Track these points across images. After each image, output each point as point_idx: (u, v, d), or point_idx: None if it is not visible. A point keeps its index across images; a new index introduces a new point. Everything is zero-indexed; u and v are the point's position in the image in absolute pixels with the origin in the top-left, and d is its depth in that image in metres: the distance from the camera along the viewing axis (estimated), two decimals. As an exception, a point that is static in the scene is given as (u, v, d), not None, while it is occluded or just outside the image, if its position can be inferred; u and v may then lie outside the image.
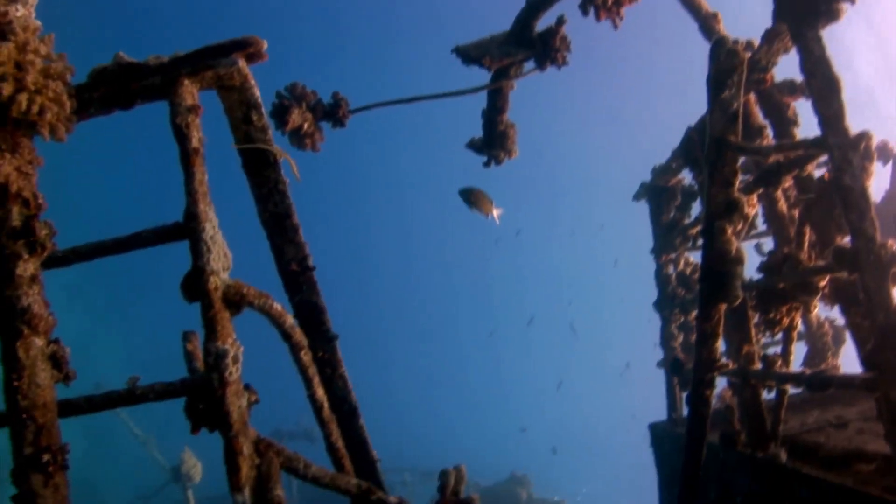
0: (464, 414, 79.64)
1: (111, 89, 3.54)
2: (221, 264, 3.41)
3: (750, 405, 6.41)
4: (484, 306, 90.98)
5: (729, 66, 5.55)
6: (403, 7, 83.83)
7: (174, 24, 70.23)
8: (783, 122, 6.71)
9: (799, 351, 7.22)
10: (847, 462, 5.68)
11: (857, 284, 5.08)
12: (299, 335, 4.03)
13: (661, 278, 9.49)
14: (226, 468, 3.18)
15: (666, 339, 9.37)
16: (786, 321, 6.23)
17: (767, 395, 6.49)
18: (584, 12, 6.60)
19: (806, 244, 6.16)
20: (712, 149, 5.67)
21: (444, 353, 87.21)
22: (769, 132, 6.80)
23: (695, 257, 9.53)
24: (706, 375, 6.12)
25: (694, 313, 8.48)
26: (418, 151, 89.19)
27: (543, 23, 6.90)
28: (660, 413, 9.64)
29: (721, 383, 7.15)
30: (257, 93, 4.06)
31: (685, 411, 6.75)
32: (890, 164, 8.13)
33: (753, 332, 6.59)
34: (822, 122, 5.07)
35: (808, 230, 6.13)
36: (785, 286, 6.02)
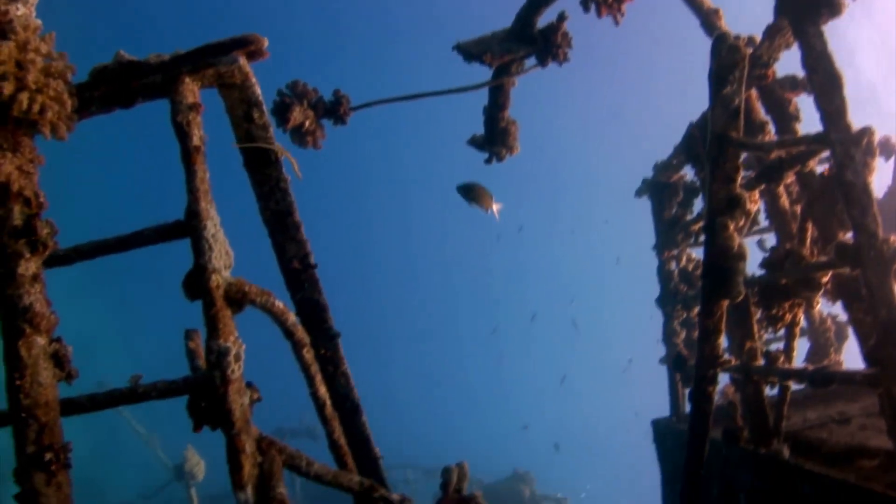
0: (465, 412, 79.65)
1: (112, 88, 3.54)
2: (223, 262, 3.41)
3: (752, 401, 6.41)
4: (485, 304, 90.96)
5: (730, 62, 5.54)
6: (404, 5, 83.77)
7: (175, 22, 70.24)
8: (785, 118, 6.70)
9: (801, 347, 7.22)
10: (850, 458, 5.68)
11: (859, 280, 5.08)
12: (301, 333, 4.03)
13: (663, 275, 9.49)
14: (228, 466, 3.18)
15: (668, 336, 9.37)
16: (788, 317, 6.23)
17: (770, 392, 6.50)
18: (586, 9, 6.59)
19: (808, 240, 6.16)
20: (714, 145, 5.66)
21: (445, 351, 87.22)
22: (771, 128, 6.79)
23: (697, 253, 9.52)
24: (708, 372, 6.12)
25: (696, 310, 8.48)
26: (419, 149, 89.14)
27: (545, 19, 6.90)
28: (662, 410, 9.64)
29: (724, 379, 7.15)
30: (258, 90, 4.05)
31: (688, 407, 6.75)
32: (892, 160, 8.12)
33: (756, 328, 6.59)
34: (824, 118, 5.07)
35: (810, 226, 6.13)
36: (787, 282, 6.02)
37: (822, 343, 8.29)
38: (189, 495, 20.79)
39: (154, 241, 3.53)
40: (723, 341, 6.11)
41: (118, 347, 62.99)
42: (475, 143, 7.82)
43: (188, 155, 3.43)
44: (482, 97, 7.58)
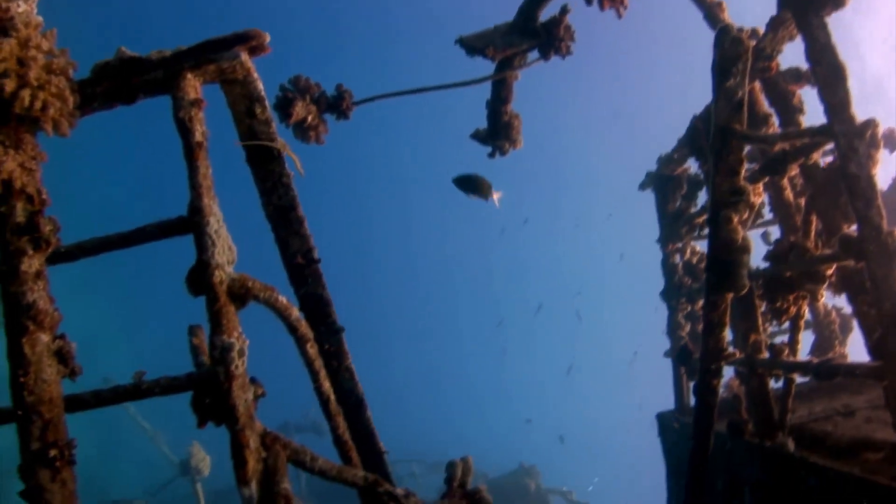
0: (469, 407, 79.69)
1: (114, 84, 3.53)
2: (226, 258, 3.41)
3: (757, 394, 6.40)
4: (487, 299, 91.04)
5: (734, 55, 5.52)
6: (405, 1, 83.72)
7: (176, 19, 70.26)
8: (789, 110, 6.68)
9: (806, 339, 7.21)
10: (855, 451, 5.67)
11: (863, 273, 5.07)
12: (305, 328, 4.03)
13: (667, 268, 9.48)
14: (232, 462, 3.18)
15: (673, 329, 9.37)
16: (793, 310, 6.22)
17: (775, 385, 6.49)
18: (588, 1, 6.57)
19: (812, 232, 6.14)
20: (717, 137, 5.65)
21: (447, 347, 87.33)
22: (775, 120, 6.77)
23: (701, 246, 9.51)
24: (713, 365, 6.11)
25: (701, 303, 8.47)
26: (420, 145, 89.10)
27: (547, 12, 6.88)
28: (666, 403, 9.64)
29: (728, 372, 7.14)
30: (260, 86, 4.05)
31: (692, 401, 6.74)
32: (896, 152, 8.10)
33: (760, 320, 6.58)
34: (828, 110, 5.05)
35: (814, 218, 6.11)
36: (792, 275, 6.01)
37: (827, 336, 8.27)
38: (195, 491, 20.86)
39: (157, 237, 3.53)
40: (727, 334, 6.11)
41: (123, 344, 63.12)
42: (478, 137, 7.81)
43: (190, 151, 3.42)
44: (485, 91, 7.56)
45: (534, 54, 7.02)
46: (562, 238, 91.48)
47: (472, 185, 7.95)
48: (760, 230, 8.90)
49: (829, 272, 5.77)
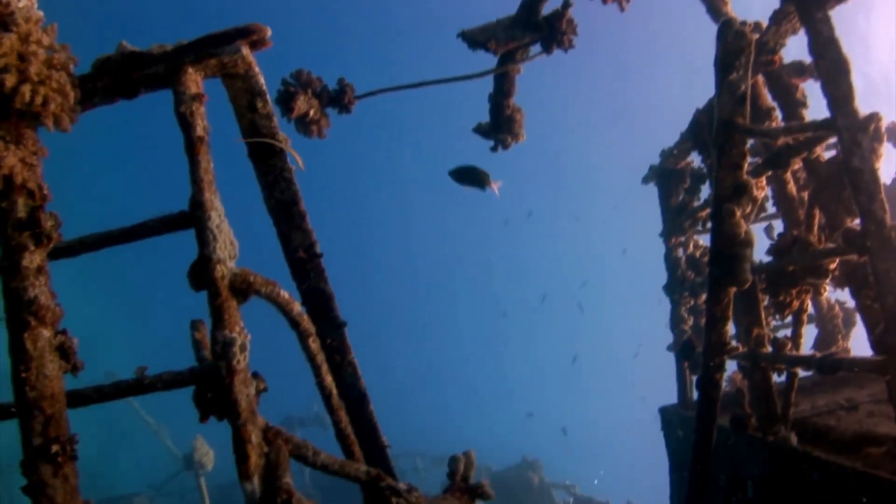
0: (471, 402, 79.86)
1: (115, 79, 3.53)
2: (227, 253, 3.40)
3: (760, 389, 6.40)
4: (488, 294, 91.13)
5: (737, 48, 5.51)
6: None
7: (177, 13, 70.18)
8: (792, 104, 6.65)
9: (809, 334, 7.21)
10: (858, 445, 5.67)
11: (867, 267, 5.05)
12: (307, 323, 4.03)
13: (670, 261, 9.47)
14: (234, 457, 3.19)
15: (676, 323, 9.36)
16: (796, 304, 6.21)
17: (778, 379, 6.48)
18: (591, -5, 6.55)
19: (815, 227, 6.13)
20: (720, 131, 5.64)
21: (448, 342, 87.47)
22: (778, 114, 6.75)
23: (704, 240, 9.50)
24: (716, 359, 6.11)
25: (704, 297, 8.46)
26: (422, 140, 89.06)
27: (550, 6, 6.86)
28: (668, 397, 9.63)
29: (732, 366, 7.14)
30: (262, 80, 4.04)
31: (695, 395, 6.74)
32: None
33: (763, 315, 6.57)
34: (831, 104, 5.03)
35: (817, 213, 6.10)
36: (794, 269, 6.00)
37: (830, 330, 8.27)
38: (198, 485, 20.90)
39: (159, 231, 3.52)
40: (730, 328, 6.10)
41: (126, 338, 63.29)
42: (480, 130, 7.79)
43: (192, 145, 3.42)
44: (487, 85, 7.54)
45: (536, 48, 7.00)
46: (563, 232, 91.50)
47: (469, 176, 7.96)
48: (764, 224, 8.89)
49: (832, 266, 5.76)
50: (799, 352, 6.28)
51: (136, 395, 3.34)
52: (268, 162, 4.47)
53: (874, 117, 4.91)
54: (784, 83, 6.70)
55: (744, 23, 5.74)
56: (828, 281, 5.90)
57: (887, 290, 4.72)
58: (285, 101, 5.95)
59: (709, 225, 6.37)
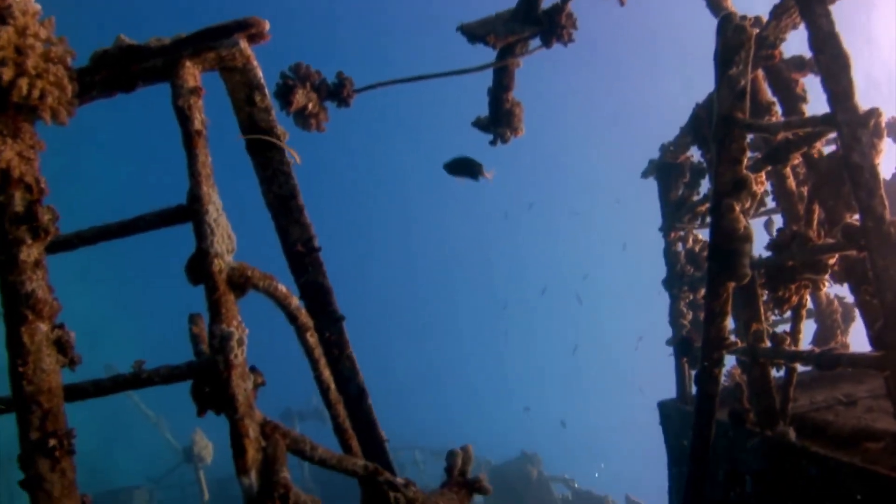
0: (470, 397, 79.98)
1: (113, 72, 3.52)
2: (225, 246, 3.39)
3: (759, 384, 6.40)
4: (487, 290, 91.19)
5: (736, 43, 5.49)
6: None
7: (176, 6, 70.03)
8: (792, 99, 6.65)
9: (808, 329, 7.21)
10: (856, 440, 5.67)
11: (866, 263, 5.05)
12: (305, 317, 4.02)
13: (669, 256, 9.46)
14: (232, 451, 3.18)
15: (675, 317, 9.36)
16: (795, 299, 6.20)
17: (776, 374, 6.49)
18: (590, -11, 6.54)
19: (815, 222, 6.13)
20: (720, 126, 5.63)
21: (447, 339, 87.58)
22: (778, 109, 6.74)
23: (704, 234, 9.49)
24: (714, 354, 6.11)
25: (703, 291, 8.46)
26: (420, 137, 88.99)
27: (549, 0, 6.84)
28: (669, 390, 9.63)
29: (730, 361, 7.14)
30: (260, 73, 4.03)
31: (694, 389, 6.75)
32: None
33: (762, 310, 6.57)
34: (831, 99, 5.02)
35: (817, 208, 6.09)
36: (794, 264, 5.99)
37: (829, 325, 8.27)
38: (198, 478, 20.96)
39: (156, 225, 3.51)
40: (729, 323, 6.10)
41: (126, 331, 63.35)
42: (480, 125, 7.78)
43: (189, 139, 3.40)
44: (485, 79, 7.53)
45: (535, 42, 6.99)
46: (563, 227, 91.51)
47: (462, 167, 7.98)
48: (763, 219, 8.89)
49: (832, 262, 5.76)
50: (798, 347, 6.28)
51: (134, 389, 3.34)
52: (266, 155, 4.46)
53: (874, 113, 4.90)
54: (784, 78, 6.69)
55: (744, 17, 5.72)
56: (827, 276, 5.90)
57: (886, 286, 4.72)
58: (284, 94, 5.93)
59: (708, 220, 6.36)
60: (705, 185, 9.21)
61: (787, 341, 6.08)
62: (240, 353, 3.25)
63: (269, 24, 3.78)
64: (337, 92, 6.28)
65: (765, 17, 6.40)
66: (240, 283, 3.38)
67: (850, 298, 7.90)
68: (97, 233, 3.52)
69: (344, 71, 6.27)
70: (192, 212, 3.36)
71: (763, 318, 6.56)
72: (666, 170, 9.54)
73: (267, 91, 4.16)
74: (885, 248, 4.74)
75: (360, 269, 79.81)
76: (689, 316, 9.37)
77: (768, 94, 6.80)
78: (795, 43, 6.27)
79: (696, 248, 9.43)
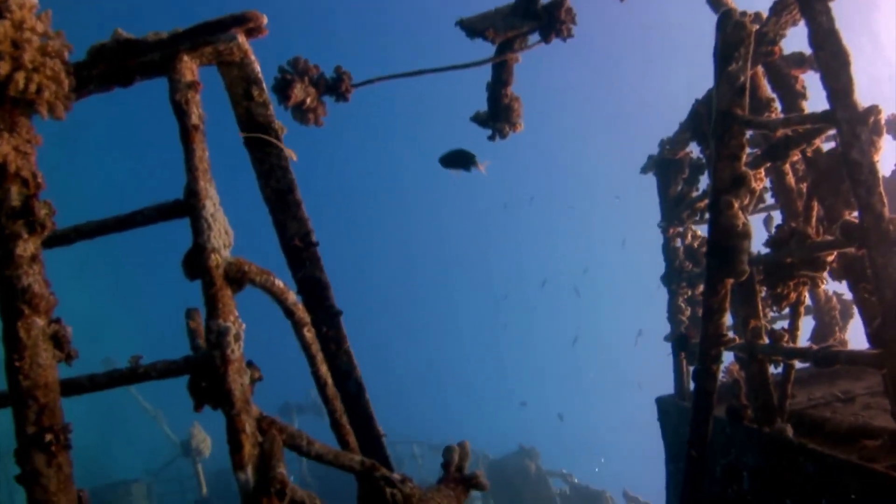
0: (469, 392, 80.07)
1: (110, 66, 3.51)
2: (222, 241, 3.39)
3: (757, 380, 6.40)
4: (485, 286, 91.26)
5: (736, 39, 5.48)
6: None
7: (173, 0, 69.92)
8: (791, 95, 6.64)
9: (807, 325, 7.21)
10: (853, 438, 5.67)
11: (864, 260, 5.04)
12: (302, 312, 4.02)
13: (668, 251, 9.46)
14: (228, 447, 3.18)
15: (673, 313, 9.36)
16: (793, 296, 6.20)
17: (774, 370, 6.49)
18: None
19: (814, 219, 6.12)
20: (719, 122, 5.62)
21: (446, 336, 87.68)
22: (777, 105, 6.73)
23: (702, 230, 9.49)
24: (712, 350, 6.11)
25: (701, 287, 8.46)
26: (417, 131, 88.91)
27: (549, -5, 6.83)
28: (667, 386, 9.63)
29: (728, 357, 7.14)
30: (258, 68, 4.02)
31: (692, 385, 6.75)
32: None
33: (760, 306, 6.56)
34: (831, 96, 5.01)
35: (815, 205, 6.09)
36: (792, 261, 5.99)
37: (827, 321, 8.27)
38: (196, 471, 20.98)
39: (153, 220, 3.51)
40: (727, 320, 6.10)
41: (127, 324, 63.36)
42: (478, 119, 7.76)
43: (187, 134, 3.40)
44: (484, 74, 7.52)
45: (535, 37, 6.97)
46: (561, 223, 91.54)
47: (457, 159, 8.00)
48: (762, 215, 8.88)
49: (830, 259, 5.75)
50: (796, 344, 6.28)
51: (130, 384, 3.34)
52: (264, 150, 4.45)
53: (873, 110, 4.89)
54: (784, 74, 6.68)
55: (744, 13, 5.71)
56: (825, 273, 5.90)
57: (885, 284, 4.71)
58: (282, 88, 5.92)
59: (707, 216, 6.36)
60: (704, 182, 9.20)
61: (786, 338, 6.08)
62: (236, 349, 3.24)
63: (267, 19, 3.77)
64: (335, 86, 6.26)
65: (765, 14, 6.38)
66: (237, 277, 3.38)
67: (848, 295, 7.90)
68: (94, 227, 3.51)
69: (342, 65, 6.25)
70: (189, 207, 3.35)
71: (761, 314, 6.56)
72: (665, 166, 9.53)
73: (265, 85, 4.16)
74: (884, 245, 4.74)
75: (357, 265, 79.83)
76: (688, 312, 9.37)
77: (768, 90, 6.79)
78: (795, 39, 6.26)
79: (695, 245, 9.42)
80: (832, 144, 5.97)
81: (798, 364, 6.34)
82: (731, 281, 5.81)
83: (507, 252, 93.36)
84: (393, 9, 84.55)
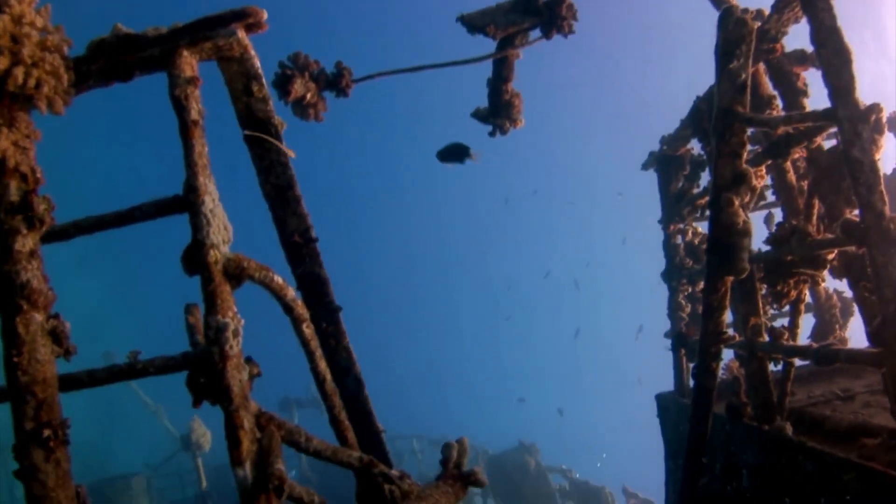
0: (468, 388, 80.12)
1: (109, 61, 3.50)
2: (221, 237, 3.38)
3: (756, 378, 6.39)
4: (484, 283, 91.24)
5: (737, 36, 5.47)
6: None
7: (172, -2, 69.78)
8: (793, 93, 6.62)
9: (807, 323, 7.20)
10: (853, 436, 5.66)
11: (865, 258, 5.03)
12: (301, 308, 4.02)
13: (668, 248, 9.45)
14: (227, 442, 3.18)
15: (673, 310, 9.35)
16: (793, 294, 6.19)
17: (774, 368, 6.48)
18: (592, -20, 6.51)
19: (815, 216, 6.11)
20: (720, 120, 5.61)
21: (446, 334, 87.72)
22: (778, 103, 6.72)
23: (703, 227, 9.48)
24: (712, 348, 6.10)
25: (701, 284, 8.45)
26: (417, 127, 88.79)
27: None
28: (667, 383, 9.63)
29: (728, 354, 7.13)
30: (257, 63, 4.02)
31: (692, 382, 6.75)
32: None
33: (761, 304, 6.56)
34: (833, 94, 5.00)
35: (816, 202, 6.08)
36: (793, 258, 5.98)
37: (828, 319, 8.26)
38: (196, 465, 20.99)
39: (153, 216, 3.51)
40: (727, 317, 6.09)
41: (127, 319, 63.38)
42: (479, 115, 7.74)
43: (186, 129, 3.39)
44: (485, 70, 7.50)
45: (536, 33, 6.95)
46: (561, 219, 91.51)
47: (453, 153, 8.03)
48: (763, 213, 8.87)
49: (831, 257, 5.74)
50: (796, 341, 6.27)
51: (129, 380, 3.33)
52: (263, 146, 4.45)
53: (875, 108, 4.87)
54: (785, 71, 6.66)
55: (745, 11, 5.70)
56: (826, 271, 5.89)
57: (885, 283, 4.70)
58: (282, 84, 5.90)
59: (707, 213, 6.35)
60: (705, 178, 9.19)
61: (786, 336, 6.08)
62: (235, 344, 3.24)
63: (267, 14, 3.77)
64: (335, 82, 6.24)
65: (766, 11, 6.37)
66: (235, 273, 3.38)
67: (849, 293, 7.90)
68: (93, 223, 3.51)
69: (342, 61, 6.23)
70: (188, 202, 3.35)
71: (761, 312, 6.55)
72: (666, 162, 9.51)
73: (265, 81, 4.15)
74: (885, 244, 4.73)
75: (357, 261, 79.87)
76: (688, 309, 9.36)
77: (769, 87, 6.78)
78: (797, 37, 6.24)
79: (696, 241, 9.41)
80: (834, 142, 5.97)
81: (798, 362, 6.33)
82: (731, 278, 5.80)
83: (506, 249, 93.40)
84: (393, 4, 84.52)
